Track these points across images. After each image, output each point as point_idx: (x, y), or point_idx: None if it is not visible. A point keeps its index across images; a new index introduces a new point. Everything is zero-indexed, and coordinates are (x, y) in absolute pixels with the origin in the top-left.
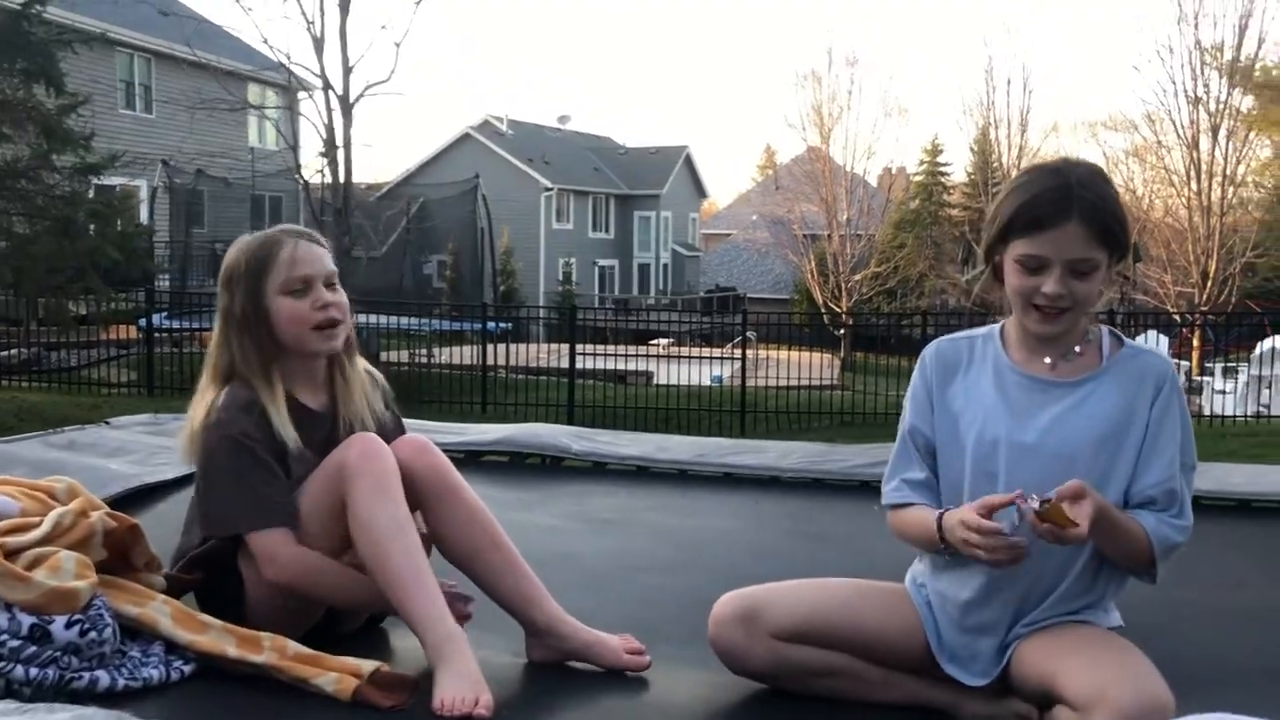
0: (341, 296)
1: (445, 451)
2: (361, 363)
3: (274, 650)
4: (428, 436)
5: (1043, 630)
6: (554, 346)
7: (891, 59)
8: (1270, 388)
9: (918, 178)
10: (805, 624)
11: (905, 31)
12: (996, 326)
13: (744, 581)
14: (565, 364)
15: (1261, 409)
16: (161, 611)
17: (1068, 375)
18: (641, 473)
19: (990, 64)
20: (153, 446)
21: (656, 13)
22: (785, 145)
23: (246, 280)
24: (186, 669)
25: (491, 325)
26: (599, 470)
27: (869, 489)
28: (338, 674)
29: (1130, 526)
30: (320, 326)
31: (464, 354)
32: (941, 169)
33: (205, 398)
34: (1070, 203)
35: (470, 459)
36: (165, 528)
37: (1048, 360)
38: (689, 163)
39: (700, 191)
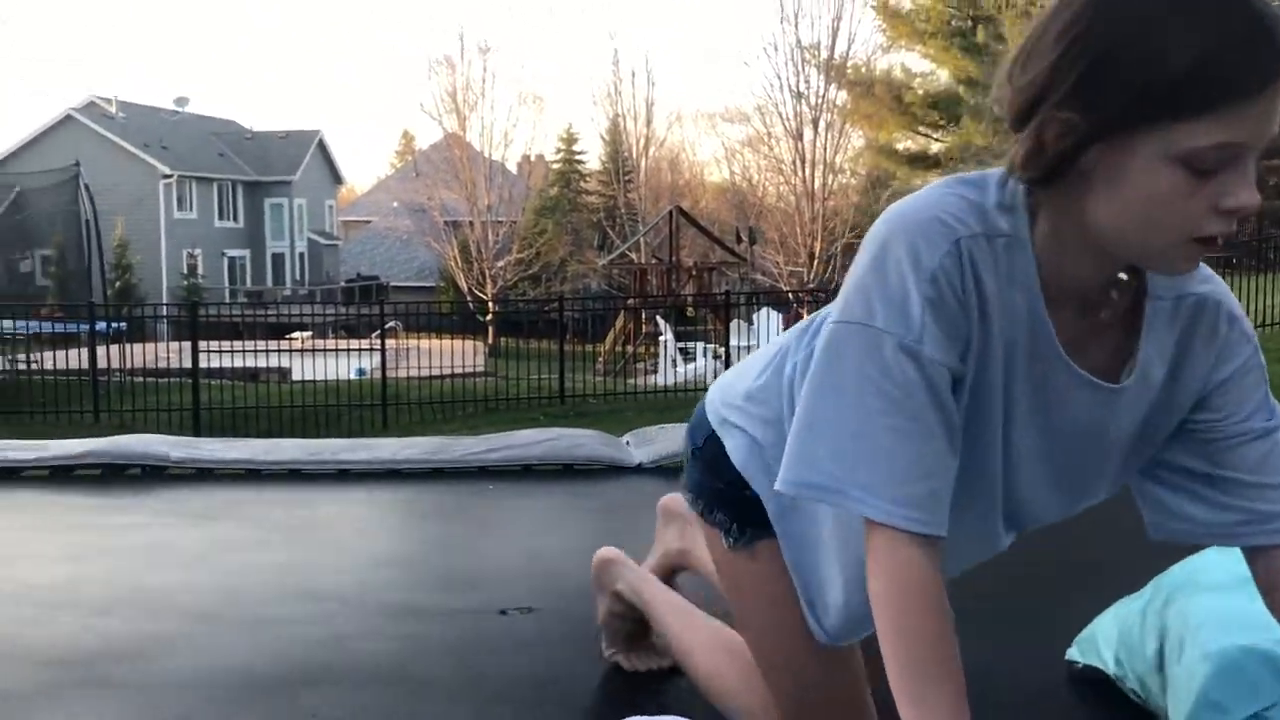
0: None
1: (26, 469)
2: None
3: None
4: (4, 453)
5: None
6: (178, 345)
7: (525, 48)
8: None
9: (555, 165)
10: None
11: (537, 21)
12: (1017, 228)
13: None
14: (189, 364)
15: None
16: None
17: (1112, 357)
18: (252, 475)
19: (616, 56)
20: None
21: None
22: (424, 131)
23: None
24: None
25: (103, 325)
26: (205, 476)
27: (486, 473)
28: None
29: None
30: None
31: (74, 358)
32: (577, 157)
33: None
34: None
35: (58, 474)
36: None
37: (1103, 315)
38: (323, 147)
39: (336, 178)
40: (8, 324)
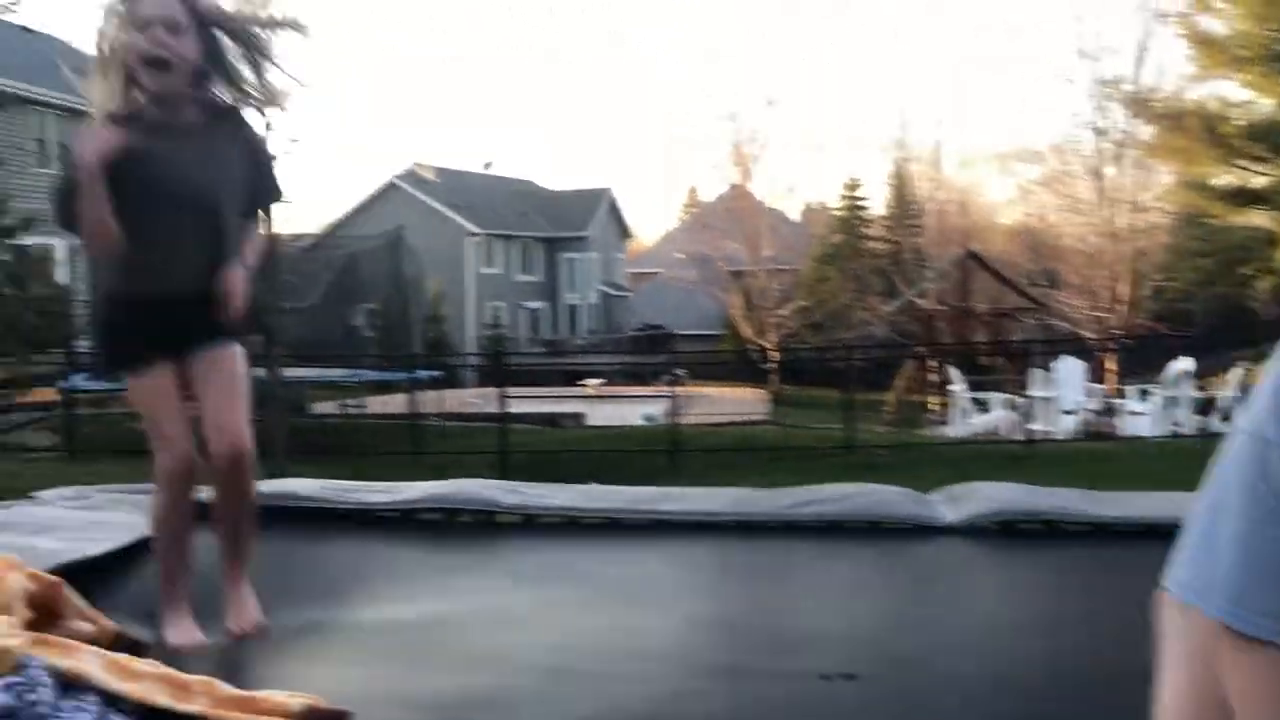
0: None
1: (376, 512)
2: None
3: (204, 695)
4: (360, 495)
5: None
6: (485, 391)
7: (809, 97)
8: (1181, 408)
9: (838, 212)
10: None
11: (820, 71)
12: None
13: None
14: (496, 409)
15: (1175, 428)
16: (92, 661)
17: None
18: (572, 524)
19: (903, 102)
20: (83, 521)
21: (568, 57)
22: (709, 184)
23: None
24: None
25: (421, 372)
26: (529, 523)
27: (792, 528)
28: (268, 717)
29: None
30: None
31: (395, 404)
32: (860, 203)
33: None
34: None
35: (403, 519)
36: (103, 601)
37: None
38: (612, 203)
39: (624, 232)
40: (340, 372)
